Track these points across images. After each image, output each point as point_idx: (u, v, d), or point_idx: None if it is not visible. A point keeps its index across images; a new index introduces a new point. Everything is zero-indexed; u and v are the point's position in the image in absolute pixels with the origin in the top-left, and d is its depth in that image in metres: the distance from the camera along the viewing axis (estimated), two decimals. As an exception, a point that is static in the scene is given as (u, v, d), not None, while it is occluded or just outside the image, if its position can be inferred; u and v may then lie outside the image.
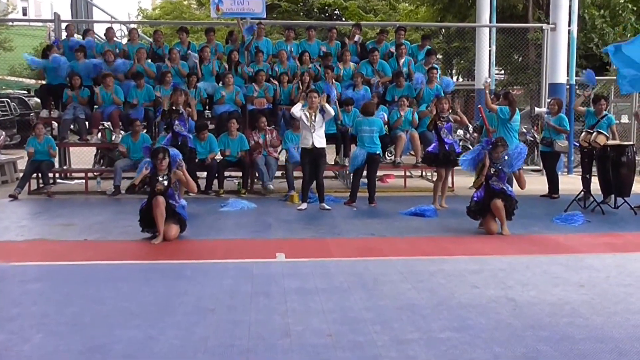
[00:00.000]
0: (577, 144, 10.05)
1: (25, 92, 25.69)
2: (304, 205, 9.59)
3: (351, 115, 11.22)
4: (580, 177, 10.11)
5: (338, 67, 12.20)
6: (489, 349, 4.15)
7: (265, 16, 13.14)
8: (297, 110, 9.50)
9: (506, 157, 7.92)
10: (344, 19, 29.21)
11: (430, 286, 5.57)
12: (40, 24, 35.36)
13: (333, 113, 9.76)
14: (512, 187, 8.25)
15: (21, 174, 11.20)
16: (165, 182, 7.40)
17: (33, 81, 26.99)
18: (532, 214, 9.05)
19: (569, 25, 14.13)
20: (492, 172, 7.84)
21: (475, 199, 8.03)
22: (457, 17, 22.71)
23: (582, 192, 9.62)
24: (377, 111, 11.33)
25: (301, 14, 29.96)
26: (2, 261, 6.45)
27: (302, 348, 4.15)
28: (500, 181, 7.84)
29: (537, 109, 13.31)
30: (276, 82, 11.80)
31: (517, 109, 9.75)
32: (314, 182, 9.70)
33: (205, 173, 10.95)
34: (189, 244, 7.37)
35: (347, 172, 12.11)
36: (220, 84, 11.90)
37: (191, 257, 6.70)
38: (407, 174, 12.47)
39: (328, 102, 9.91)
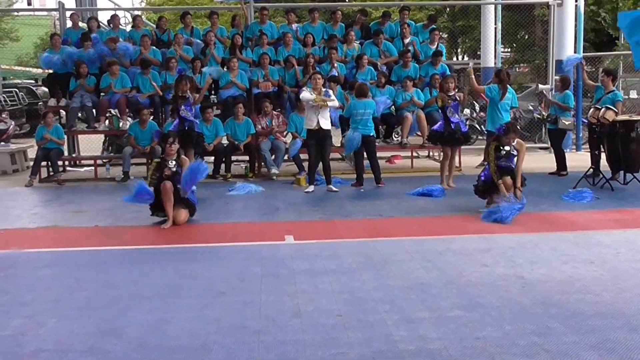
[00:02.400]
0: (586, 121, 9.93)
1: (33, 81, 25.75)
2: (311, 188, 9.60)
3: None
4: (589, 153, 10.05)
5: (342, 48, 12.14)
6: (499, 326, 4.17)
7: None
8: (306, 95, 9.42)
9: None
10: (347, 0, 28.95)
11: (439, 265, 5.59)
12: (45, 13, 35.32)
13: (337, 104, 9.80)
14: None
15: (31, 163, 11.27)
16: (174, 168, 7.45)
17: (40, 70, 27.00)
18: (541, 191, 9.02)
19: (576, 0, 13.97)
20: (501, 155, 7.79)
21: (482, 177, 8.00)
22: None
23: (591, 169, 9.58)
24: (384, 91, 11.32)
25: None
26: (16, 248, 6.54)
27: (312, 328, 4.19)
28: (509, 161, 7.81)
29: (540, 86, 13.21)
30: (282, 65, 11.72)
31: (508, 87, 9.65)
32: (320, 164, 9.69)
33: (212, 157, 10.98)
34: (198, 228, 7.42)
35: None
36: (225, 69, 11.88)
37: (201, 241, 6.75)
38: (414, 154, 12.45)
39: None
